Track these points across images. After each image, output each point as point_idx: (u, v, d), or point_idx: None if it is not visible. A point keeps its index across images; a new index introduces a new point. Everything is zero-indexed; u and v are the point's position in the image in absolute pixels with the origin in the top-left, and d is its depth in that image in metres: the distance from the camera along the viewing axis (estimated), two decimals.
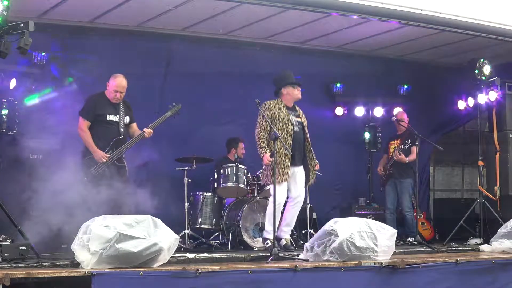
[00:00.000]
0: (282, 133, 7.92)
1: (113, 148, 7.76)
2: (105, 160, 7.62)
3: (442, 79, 11.15)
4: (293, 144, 8.03)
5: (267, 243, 7.95)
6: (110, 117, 7.78)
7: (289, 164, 7.95)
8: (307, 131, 8.24)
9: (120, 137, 7.83)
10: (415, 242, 9.23)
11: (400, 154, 10.03)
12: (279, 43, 10.29)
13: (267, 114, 7.97)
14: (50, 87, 8.83)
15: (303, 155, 8.20)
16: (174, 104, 8.12)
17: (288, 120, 8.05)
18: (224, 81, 10.07)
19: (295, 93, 8.20)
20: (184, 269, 5.96)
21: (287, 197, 8.20)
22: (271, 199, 7.78)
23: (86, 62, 8.92)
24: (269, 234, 7.86)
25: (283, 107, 8.13)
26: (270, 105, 8.09)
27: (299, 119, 8.22)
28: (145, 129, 7.90)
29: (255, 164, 9.43)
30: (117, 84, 7.78)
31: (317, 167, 8.37)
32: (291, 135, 8.00)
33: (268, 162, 7.85)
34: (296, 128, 8.09)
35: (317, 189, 9.19)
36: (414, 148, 9.83)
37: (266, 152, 7.89)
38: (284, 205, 8.25)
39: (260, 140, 7.93)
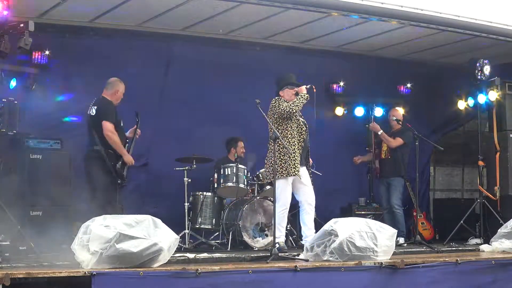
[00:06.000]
0: (298, 130, 8.05)
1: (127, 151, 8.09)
2: (133, 163, 7.99)
3: (442, 79, 11.15)
4: (303, 144, 8.13)
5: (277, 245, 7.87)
6: (121, 122, 8.07)
7: (298, 161, 8.00)
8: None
9: (128, 140, 8.13)
10: (404, 244, 9.30)
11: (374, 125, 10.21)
12: (279, 43, 10.28)
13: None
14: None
15: (307, 155, 8.27)
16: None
17: (299, 120, 8.16)
18: (224, 81, 10.07)
19: (289, 94, 8.23)
20: (184, 269, 5.96)
21: (298, 203, 8.27)
22: (277, 204, 7.67)
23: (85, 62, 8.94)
24: (278, 238, 7.81)
25: None
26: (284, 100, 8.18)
27: (303, 119, 8.28)
28: (138, 131, 8.23)
29: (255, 164, 9.44)
30: (124, 87, 8.09)
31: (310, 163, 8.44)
32: (304, 131, 8.12)
33: (305, 89, 8.09)
34: (305, 128, 8.18)
35: (317, 189, 9.18)
36: (398, 139, 10.02)
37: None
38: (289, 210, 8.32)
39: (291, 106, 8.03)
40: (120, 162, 7.83)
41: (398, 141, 10.02)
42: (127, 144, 8.09)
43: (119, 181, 7.78)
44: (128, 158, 7.89)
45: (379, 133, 10.15)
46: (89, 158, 7.93)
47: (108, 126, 7.76)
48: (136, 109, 8.60)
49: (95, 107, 7.92)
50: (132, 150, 8.17)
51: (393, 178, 10.11)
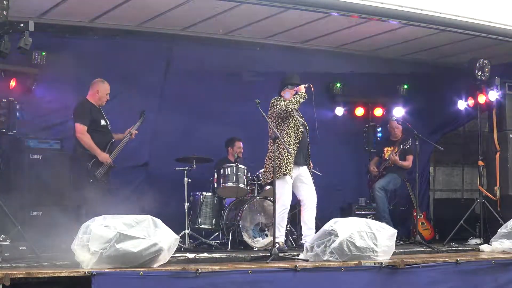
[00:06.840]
0: (294, 131, 8.09)
1: (109, 151, 8.08)
2: (109, 162, 7.97)
3: (442, 79, 11.15)
4: (301, 143, 8.15)
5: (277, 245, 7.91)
6: (102, 122, 8.09)
7: (292, 160, 8.00)
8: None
9: (113, 140, 8.17)
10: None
11: (396, 155, 10.24)
12: (279, 43, 10.27)
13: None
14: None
15: (306, 155, 8.27)
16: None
17: (297, 120, 8.19)
18: (224, 81, 10.06)
19: (290, 94, 8.25)
20: (184, 269, 5.96)
21: (300, 201, 8.28)
22: (277, 205, 7.67)
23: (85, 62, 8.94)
24: (278, 238, 7.84)
25: None
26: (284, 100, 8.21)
27: (303, 120, 8.29)
28: (132, 131, 8.35)
29: (255, 164, 9.44)
30: (107, 87, 8.17)
31: (311, 166, 8.47)
32: (302, 132, 8.16)
33: (303, 89, 8.15)
34: (302, 129, 8.21)
35: (317, 189, 9.21)
36: (410, 157, 10.25)
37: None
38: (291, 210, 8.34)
39: (287, 104, 8.07)
40: (92, 161, 7.87)
41: (410, 160, 10.29)
42: (111, 142, 8.11)
43: (91, 181, 7.80)
44: (103, 157, 7.92)
45: (399, 164, 10.33)
46: (70, 159, 8.07)
47: (78, 128, 7.88)
48: (136, 109, 8.62)
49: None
50: (120, 149, 8.23)
51: (390, 173, 10.31)
